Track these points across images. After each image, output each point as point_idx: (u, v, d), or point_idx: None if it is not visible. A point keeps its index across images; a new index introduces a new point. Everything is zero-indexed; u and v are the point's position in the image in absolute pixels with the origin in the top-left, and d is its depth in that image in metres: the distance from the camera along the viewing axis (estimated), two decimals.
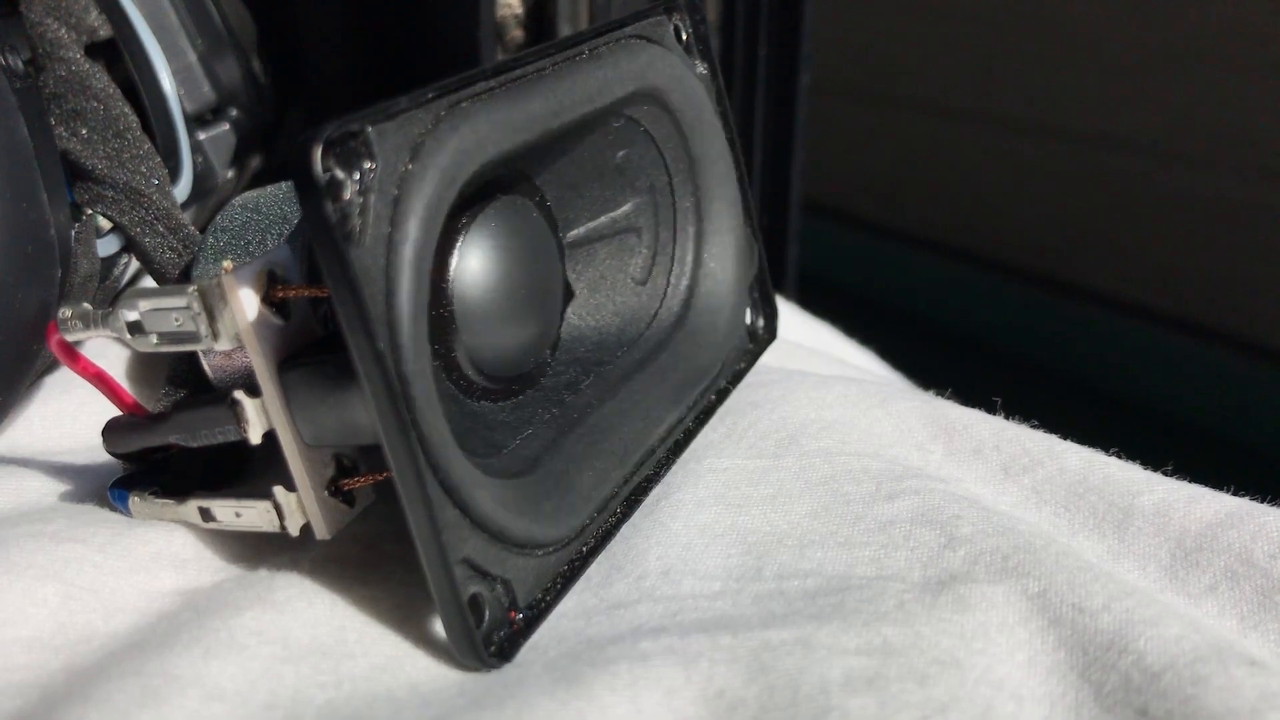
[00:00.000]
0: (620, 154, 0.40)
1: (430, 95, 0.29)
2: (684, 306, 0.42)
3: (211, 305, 0.30)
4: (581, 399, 0.37)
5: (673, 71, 0.40)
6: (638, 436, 0.37)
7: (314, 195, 0.26)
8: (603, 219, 0.40)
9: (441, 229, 0.29)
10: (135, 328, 0.31)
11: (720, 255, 0.43)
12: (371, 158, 0.27)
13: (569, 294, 0.39)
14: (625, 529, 0.35)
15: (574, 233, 0.39)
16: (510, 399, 0.36)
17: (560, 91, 0.34)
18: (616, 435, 0.36)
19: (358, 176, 0.27)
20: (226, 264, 0.30)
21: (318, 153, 0.25)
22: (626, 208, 0.41)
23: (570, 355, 0.39)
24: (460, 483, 0.28)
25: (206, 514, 0.34)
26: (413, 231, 0.28)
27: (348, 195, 0.26)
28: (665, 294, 0.42)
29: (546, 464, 0.34)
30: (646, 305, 0.42)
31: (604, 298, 0.41)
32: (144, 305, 0.31)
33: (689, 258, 0.42)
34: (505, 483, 0.32)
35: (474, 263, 0.34)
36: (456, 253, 0.33)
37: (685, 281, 0.42)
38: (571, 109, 0.35)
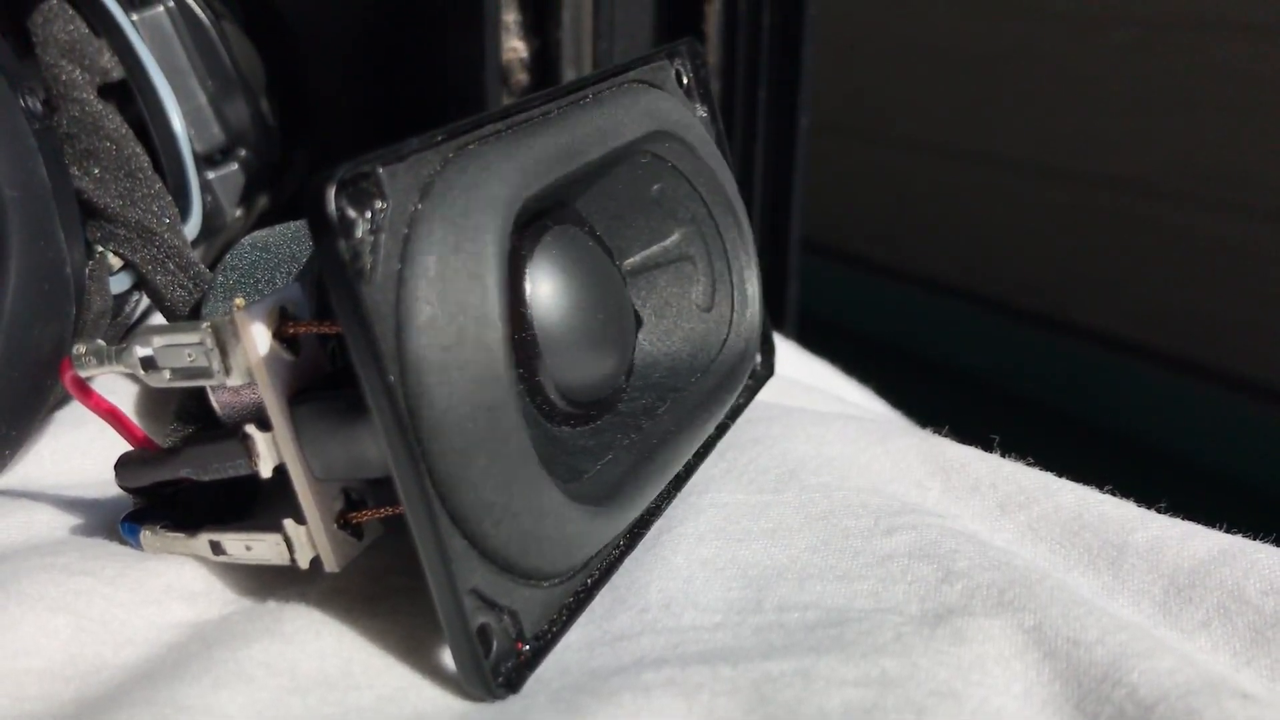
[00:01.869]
0: (655, 187, 0.41)
1: (440, 137, 0.30)
2: (749, 334, 0.43)
3: (224, 341, 0.30)
4: (660, 426, 0.38)
5: (680, 113, 0.41)
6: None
7: (327, 234, 0.26)
8: (654, 248, 0.41)
9: (508, 258, 0.30)
10: (148, 363, 0.32)
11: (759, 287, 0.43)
12: (383, 197, 0.28)
13: (638, 320, 0.40)
14: (627, 562, 0.36)
15: (630, 261, 0.40)
16: (589, 424, 0.37)
17: (577, 131, 0.35)
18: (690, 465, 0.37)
19: (369, 216, 0.27)
20: (239, 301, 0.31)
21: (331, 193, 0.26)
22: (675, 237, 0.41)
23: (645, 381, 0.40)
24: (470, 513, 0.29)
25: (217, 547, 0.34)
26: (431, 267, 0.28)
27: (359, 234, 0.27)
28: (732, 321, 0.42)
29: (626, 491, 0.34)
30: (715, 331, 0.42)
31: (671, 324, 0.41)
32: (158, 341, 0.31)
33: (747, 287, 0.43)
34: (589, 510, 0.32)
35: (546, 286, 0.34)
36: (527, 279, 0.34)
37: (749, 310, 0.43)
38: (591, 148, 0.35)
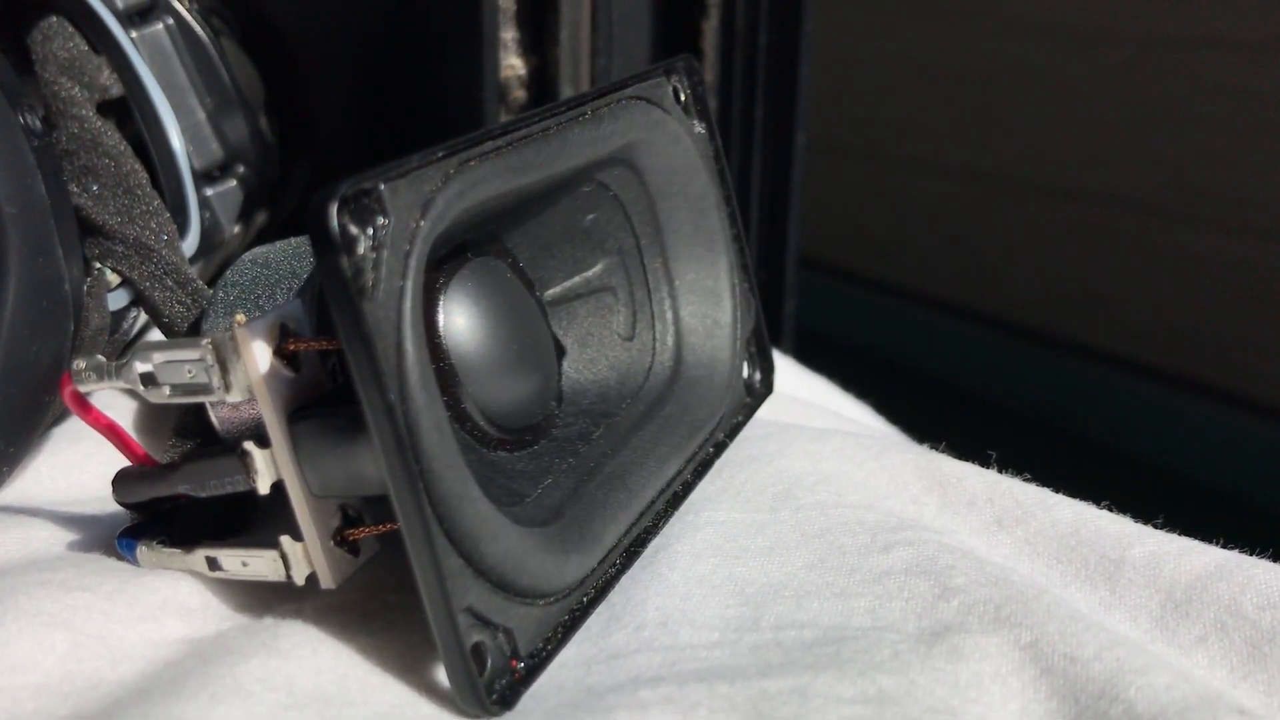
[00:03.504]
0: (589, 217, 0.42)
1: (440, 154, 0.30)
2: (675, 361, 0.43)
3: (224, 357, 0.30)
4: (596, 449, 0.38)
5: (652, 134, 0.41)
6: (650, 485, 0.38)
7: (329, 250, 0.26)
8: (576, 279, 0.42)
9: (423, 286, 0.31)
10: (148, 379, 0.32)
11: (702, 312, 0.44)
12: (385, 214, 0.28)
13: (560, 349, 0.41)
14: (624, 580, 0.36)
15: (551, 291, 0.41)
16: (526, 449, 0.37)
17: (551, 153, 0.35)
18: (631, 483, 0.37)
19: (371, 232, 0.27)
20: (239, 317, 0.31)
21: (334, 209, 0.26)
22: (598, 268, 0.42)
23: (576, 407, 0.40)
24: (466, 532, 0.29)
25: (214, 563, 0.34)
26: (409, 285, 0.28)
27: (361, 250, 0.27)
28: (654, 349, 0.43)
29: (570, 512, 0.35)
30: (639, 359, 0.43)
31: (595, 353, 0.42)
32: (158, 357, 0.31)
33: (668, 315, 0.43)
34: (534, 531, 0.32)
35: (460, 318, 0.35)
36: (441, 309, 0.34)
37: (670, 338, 0.43)
38: (555, 169, 0.36)
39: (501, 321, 0.37)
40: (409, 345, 0.28)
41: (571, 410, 0.40)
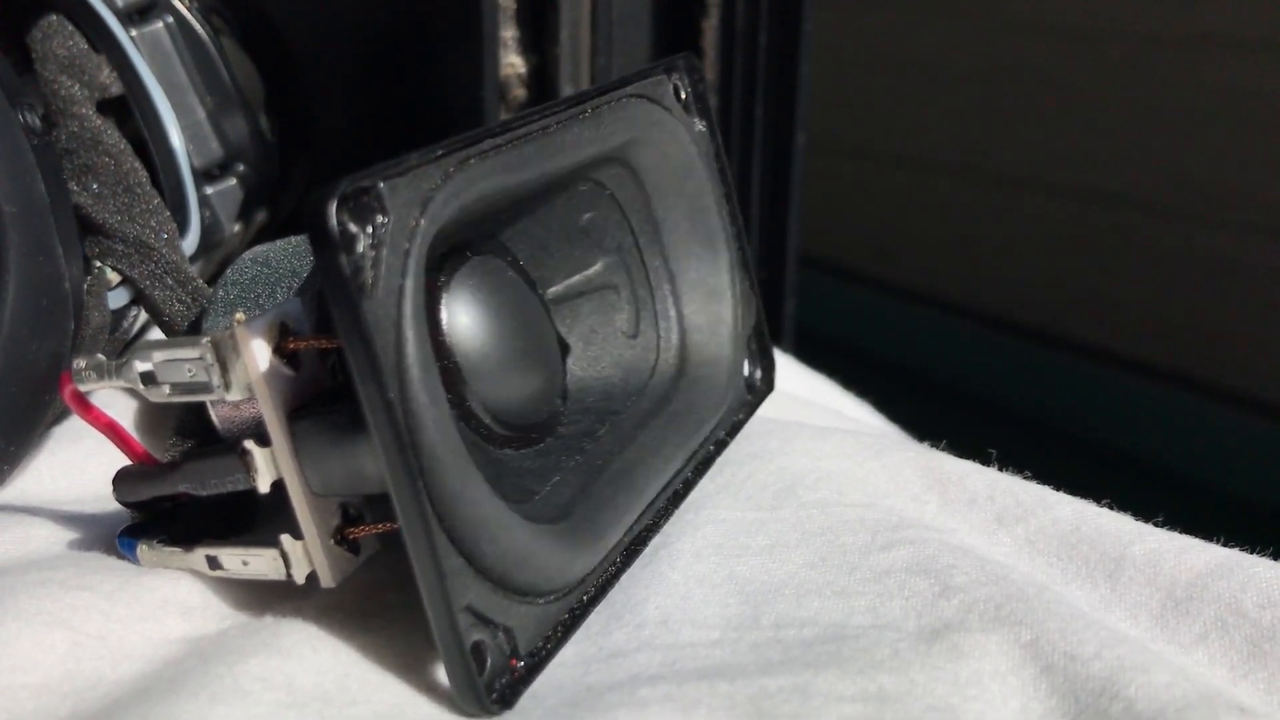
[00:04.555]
0: (586, 216, 0.42)
1: (439, 152, 0.30)
2: (680, 359, 0.43)
3: (224, 356, 0.30)
4: (603, 446, 0.38)
5: (649, 131, 0.41)
6: (654, 482, 0.38)
7: (329, 248, 0.26)
8: (577, 278, 0.42)
9: (424, 285, 0.30)
10: (148, 378, 0.32)
11: (705, 310, 0.44)
12: (384, 212, 0.28)
13: (564, 347, 0.41)
14: (624, 579, 0.36)
15: (552, 290, 0.41)
16: (532, 446, 0.37)
17: (547, 151, 0.35)
18: (637, 481, 0.37)
19: (370, 230, 0.27)
20: (239, 316, 0.31)
21: (333, 207, 0.26)
22: (598, 266, 0.42)
23: (581, 405, 0.40)
24: (466, 531, 0.29)
25: (214, 562, 0.34)
26: (410, 284, 0.28)
27: (361, 248, 0.27)
28: (659, 347, 0.43)
29: (580, 510, 0.35)
30: (643, 357, 0.43)
31: (599, 350, 0.42)
32: (158, 356, 0.31)
33: (671, 313, 0.43)
34: (545, 528, 0.33)
35: (463, 316, 0.35)
36: (444, 308, 0.34)
37: (675, 336, 0.43)
38: (554, 167, 0.36)
39: (505, 319, 0.37)
40: (410, 343, 0.28)
41: (577, 408, 0.40)
